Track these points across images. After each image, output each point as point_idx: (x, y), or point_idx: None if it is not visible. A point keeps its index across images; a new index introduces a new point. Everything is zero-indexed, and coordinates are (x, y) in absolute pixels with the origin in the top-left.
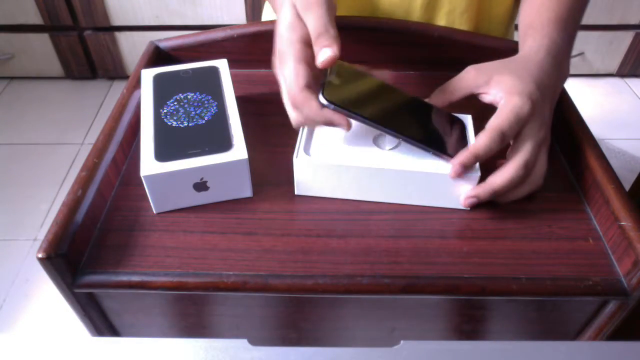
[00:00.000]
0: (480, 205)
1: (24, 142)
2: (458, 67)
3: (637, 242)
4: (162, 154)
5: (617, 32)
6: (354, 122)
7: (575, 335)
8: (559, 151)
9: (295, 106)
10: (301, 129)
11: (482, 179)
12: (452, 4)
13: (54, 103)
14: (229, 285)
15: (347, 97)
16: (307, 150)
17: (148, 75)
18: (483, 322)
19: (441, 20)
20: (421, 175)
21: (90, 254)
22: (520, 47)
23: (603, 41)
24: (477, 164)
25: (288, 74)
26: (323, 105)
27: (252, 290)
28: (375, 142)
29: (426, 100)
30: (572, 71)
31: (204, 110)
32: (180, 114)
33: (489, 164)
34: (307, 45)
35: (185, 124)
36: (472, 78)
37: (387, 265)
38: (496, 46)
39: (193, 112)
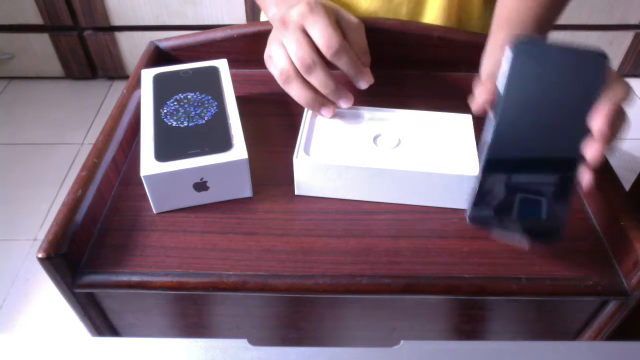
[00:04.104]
0: None
1: (24, 142)
2: (458, 67)
3: (637, 242)
4: (162, 154)
5: (617, 32)
6: (353, 122)
7: (575, 335)
8: None
9: (309, 71)
10: (301, 128)
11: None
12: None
13: (54, 103)
14: (229, 285)
15: None
16: (307, 150)
17: (148, 75)
18: (483, 322)
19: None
20: (421, 175)
21: (90, 254)
22: (493, 37)
23: (603, 41)
24: (478, 164)
25: (297, 39)
26: None
27: (252, 290)
28: (375, 142)
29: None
30: None
31: (204, 110)
32: (180, 114)
33: None
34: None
35: (185, 124)
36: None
37: (387, 265)
38: None
39: (193, 112)
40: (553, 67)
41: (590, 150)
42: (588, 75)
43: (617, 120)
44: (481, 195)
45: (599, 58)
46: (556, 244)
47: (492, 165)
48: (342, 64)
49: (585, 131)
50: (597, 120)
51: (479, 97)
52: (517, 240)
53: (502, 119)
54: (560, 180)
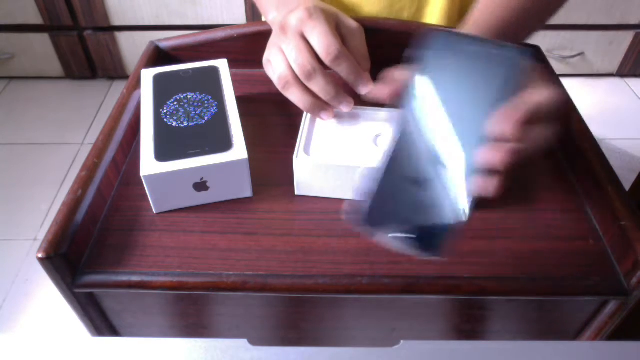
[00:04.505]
0: (481, 205)
1: (24, 142)
2: None
3: (637, 242)
4: (162, 154)
5: (617, 32)
6: (353, 122)
7: (575, 335)
8: (559, 151)
9: (309, 78)
10: (301, 128)
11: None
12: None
13: (54, 103)
14: (229, 285)
15: None
16: (307, 150)
17: (148, 75)
18: (483, 322)
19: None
20: None
21: (90, 254)
22: None
23: (603, 41)
24: None
25: (297, 45)
26: None
27: (252, 290)
28: (375, 142)
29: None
30: (572, 71)
31: (204, 110)
32: (180, 114)
33: None
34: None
35: (185, 124)
36: None
37: (387, 265)
38: None
39: (193, 112)
40: (469, 60)
41: (489, 154)
42: (503, 72)
43: (527, 124)
44: (375, 195)
45: (518, 55)
46: (442, 255)
47: (392, 161)
48: (342, 70)
49: (484, 134)
50: (500, 122)
51: (384, 85)
52: (403, 247)
53: (408, 113)
54: (457, 186)
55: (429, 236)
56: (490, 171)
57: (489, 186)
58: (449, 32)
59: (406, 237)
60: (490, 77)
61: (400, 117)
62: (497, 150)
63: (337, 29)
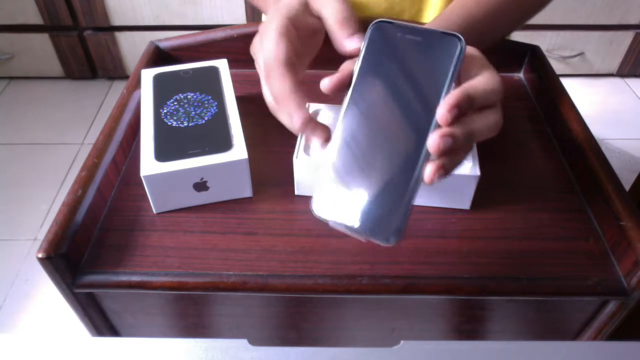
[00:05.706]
0: (481, 205)
1: (24, 142)
2: None
3: (637, 242)
4: (162, 154)
5: (617, 32)
6: None
7: (575, 335)
8: (559, 151)
9: (268, 78)
10: None
11: (482, 185)
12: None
13: (54, 103)
14: (229, 285)
15: None
16: (307, 150)
17: (148, 75)
18: (483, 322)
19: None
20: None
21: (90, 254)
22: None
23: (603, 41)
24: (477, 164)
25: (268, 45)
26: None
27: (252, 290)
28: None
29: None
30: (572, 71)
31: (204, 110)
32: (180, 114)
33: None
34: (294, 26)
35: (185, 124)
36: None
37: (387, 265)
38: (498, 45)
39: (193, 112)
40: (408, 48)
41: (431, 138)
42: (441, 58)
43: (465, 109)
44: (327, 184)
45: (453, 40)
46: (396, 244)
47: (341, 150)
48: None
49: (431, 120)
50: (440, 106)
51: (332, 77)
52: (356, 234)
53: (352, 102)
54: (406, 172)
55: (380, 223)
56: (431, 157)
57: (428, 171)
58: (389, 22)
59: (358, 225)
60: (429, 65)
61: (344, 107)
62: (436, 135)
63: (309, 15)
